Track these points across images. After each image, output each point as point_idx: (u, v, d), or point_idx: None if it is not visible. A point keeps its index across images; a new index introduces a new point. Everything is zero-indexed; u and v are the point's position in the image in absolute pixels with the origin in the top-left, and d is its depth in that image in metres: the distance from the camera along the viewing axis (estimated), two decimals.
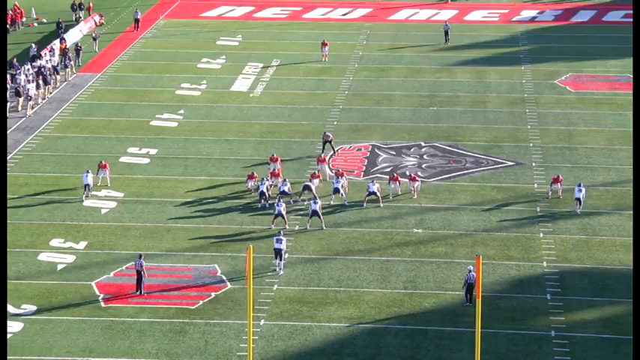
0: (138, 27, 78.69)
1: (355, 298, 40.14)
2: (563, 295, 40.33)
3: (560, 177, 49.02)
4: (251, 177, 49.38)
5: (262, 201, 47.76)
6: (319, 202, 46.03)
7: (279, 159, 51.11)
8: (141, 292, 40.22)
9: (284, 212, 45.63)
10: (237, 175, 51.33)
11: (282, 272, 41.86)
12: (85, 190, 49.12)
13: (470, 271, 39.38)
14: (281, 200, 46.64)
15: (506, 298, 40.12)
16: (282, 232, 43.35)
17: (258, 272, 41.43)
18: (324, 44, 71.44)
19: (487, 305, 38.21)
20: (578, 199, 47.48)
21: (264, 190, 47.84)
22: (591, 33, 77.66)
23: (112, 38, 76.66)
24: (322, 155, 52.80)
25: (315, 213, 45.49)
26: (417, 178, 49.05)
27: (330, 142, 54.17)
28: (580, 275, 41.97)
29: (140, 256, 40.62)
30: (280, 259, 41.83)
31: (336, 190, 48.00)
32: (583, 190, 47.66)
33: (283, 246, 42.00)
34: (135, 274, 40.50)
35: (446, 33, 74.92)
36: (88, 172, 49.37)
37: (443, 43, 74.76)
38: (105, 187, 49.98)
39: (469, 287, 39.27)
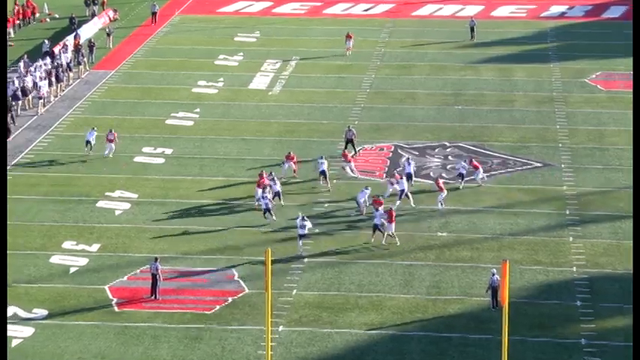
0: (155, 20, 78.91)
1: (377, 304, 40.07)
2: (593, 302, 40.14)
3: (475, 162, 50.46)
4: (260, 185, 47.97)
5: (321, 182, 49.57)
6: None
7: (294, 158, 51.21)
8: (156, 297, 40.25)
9: (271, 206, 46.02)
10: (255, 176, 51.20)
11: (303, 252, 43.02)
12: (87, 146, 53.51)
13: (493, 275, 39.32)
14: (266, 193, 46.83)
15: (534, 305, 39.97)
16: (304, 215, 43.93)
17: (277, 276, 41.35)
18: (348, 37, 71.46)
19: (514, 312, 37.95)
20: (409, 175, 49.28)
21: (325, 169, 49.38)
22: (623, 29, 77.28)
23: (127, 34, 76.83)
24: (344, 151, 52.72)
25: (375, 227, 44.57)
26: (443, 188, 48.01)
27: (352, 140, 54.09)
28: (611, 281, 41.77)
29: (156, 259, 40.62)
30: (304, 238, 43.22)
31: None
32: (412, 163, 50.03)
33: (307, 230, 43.09)
34: (149, 278, 40.53)
35: (472, 29, 74.74)
36: (93, 129, 53.81)
37: (468, 39, 74.61)
38: (120, 187, 50.16)
39: (494, 291, 39.17)
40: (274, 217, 46.17)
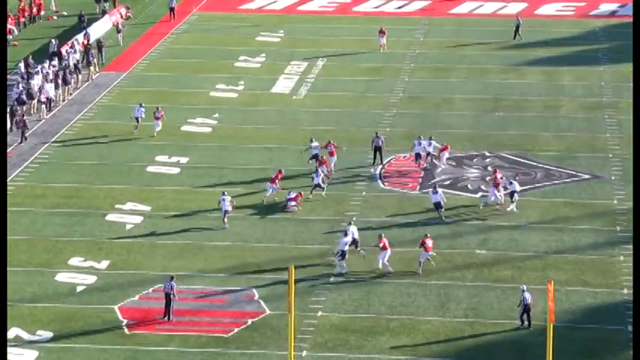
0: (174, 16, 79.38)
1: (409, 327, 40.07)
2: None
3: (499, 178, 50.28)
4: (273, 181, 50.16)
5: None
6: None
7: (327, 161, 52.14)
8: (169, 318, 40.37)
9: (230, 208, 47.19)
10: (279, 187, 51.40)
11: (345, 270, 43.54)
12: (137, 122, 57.56)
13: (523, 292, 39.49)
14: (225, 195, 47.66)
15: (581, 329, 39.86)
16: (345, 231, 44.63)
17: (301, 296, 41.40)
18: (381, 32, 71.67)
19: (559, 337, 37.93)
20: (418, 155, 52.46)
21: (318, 153, 52.22)
22: None
23: (140, 33, 77.21)
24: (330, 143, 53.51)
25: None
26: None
27: (380, 148, 54.15)
28: None
29: (171, 277, 40.70)
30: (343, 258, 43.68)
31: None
32: (424, 142, 52.60)
33: (350, 238, 44.07)
34: (162, 298, 40.63)
35: (517, 28, 74.59)
36: (141, 105, 57.87)
37: (512, 39, 74.54)
38: (131, 199, 50.44)
39: (526, 310, 39.32)
40: (226, 225, 47.32)
